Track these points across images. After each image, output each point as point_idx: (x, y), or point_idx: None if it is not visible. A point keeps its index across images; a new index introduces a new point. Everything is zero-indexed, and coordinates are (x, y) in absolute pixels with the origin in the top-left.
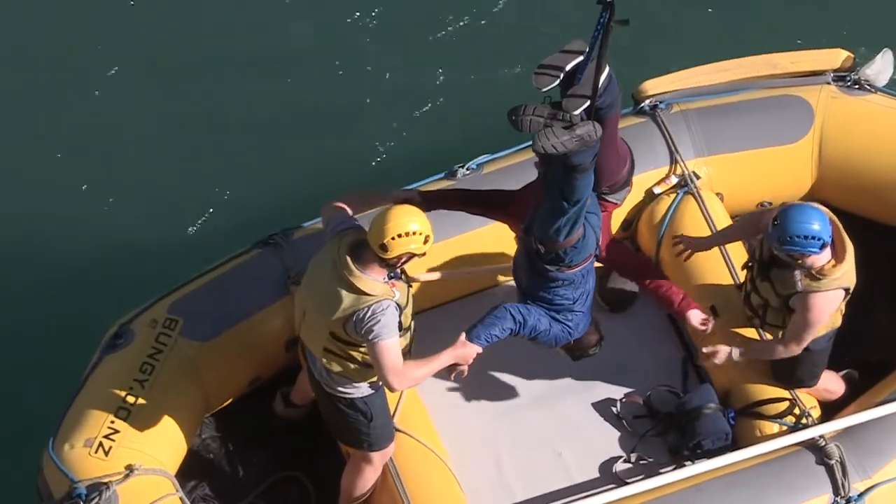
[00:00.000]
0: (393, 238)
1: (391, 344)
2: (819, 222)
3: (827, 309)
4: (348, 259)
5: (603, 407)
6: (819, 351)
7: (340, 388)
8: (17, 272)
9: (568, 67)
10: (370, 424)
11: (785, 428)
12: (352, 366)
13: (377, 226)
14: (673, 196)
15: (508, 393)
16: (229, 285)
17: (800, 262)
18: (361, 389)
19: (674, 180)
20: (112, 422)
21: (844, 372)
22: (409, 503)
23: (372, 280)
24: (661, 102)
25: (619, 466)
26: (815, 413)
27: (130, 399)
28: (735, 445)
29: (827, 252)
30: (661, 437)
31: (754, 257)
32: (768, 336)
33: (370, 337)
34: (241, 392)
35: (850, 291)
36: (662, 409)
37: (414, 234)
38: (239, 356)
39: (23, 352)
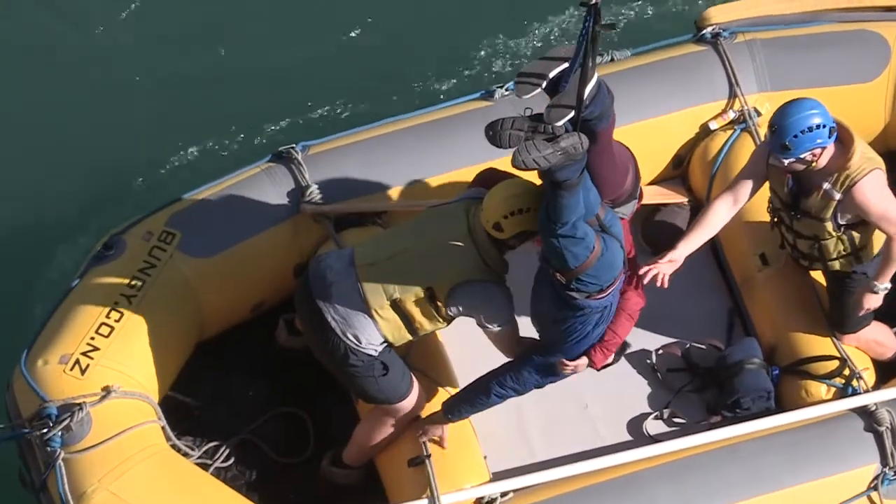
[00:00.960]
0: (506, 216)
1: (512, 331)
2: (817, 108)
3: (881, 188)
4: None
5: (637, 358)
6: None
7: (362, 342)
8: (8, 182)
9: (551, 75)
10: (380, 379)
11: (833, 390)
12: (404, 327)
13: (491, 203)
14: (729, 132)
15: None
16: (236, 200)
17: (814, 163)
18: (377, 346)
19: (731, 115)
20: (92, 338)
21: None
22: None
23: (497, 254)
24: (724, 31)
25: (650, 423)
26: (868, 375)
27: (115, 315)
28: (778, 405)
29: (833, 145)
30: (699, 394)
31: (775, 208)
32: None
33: (486, 323)
34: (242, 318)
35: (886, 172)
36: (702, 364)
37: (528, 210)
38: (241, 278)
39: (10, 263)
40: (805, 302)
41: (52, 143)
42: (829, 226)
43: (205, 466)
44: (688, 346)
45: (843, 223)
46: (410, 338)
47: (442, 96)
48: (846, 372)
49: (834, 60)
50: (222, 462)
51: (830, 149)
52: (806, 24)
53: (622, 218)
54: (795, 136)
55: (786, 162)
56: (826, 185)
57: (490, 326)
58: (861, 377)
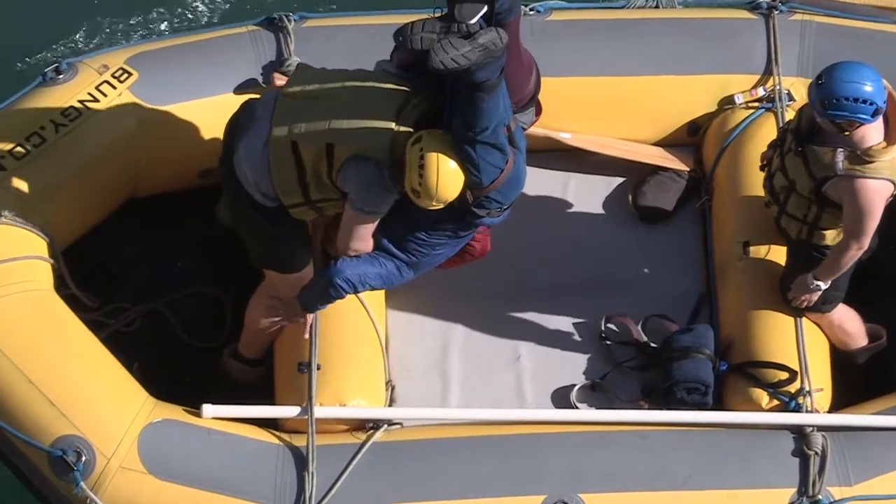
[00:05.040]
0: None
1: (365, 220)
2: (872, 83)
3: (878, 199)
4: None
5: (589, 320)
6: None
7: (262, 188)
8: None
9: None
10: (271, 238)
11: (776, 403)
12: (295, 178)
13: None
14: (752, 110)
15: (484, 273)
16: (209, 54)
17: (847, 132)
18: (272, 199)
19: (761, 93)
20: (1, 157)
21: (872, 326)
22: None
23: None
24: (783, 4)
25: (579, 390)
26: (821, 397)
27: (35, 139)
28: (716, 404)
29: (878, 127)
30: (639, 372)
31: (789, 127)
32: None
33: (352, 200)
34: (188, 183)
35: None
36: (652, 342)
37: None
38: (191, 136)
39: None
40: (777, 303)
41: None
42: (811, 186)
43: (104, 326)
44: (644, 320)
45: (820, 196)
46: (301, 200)
47: None
48: (796, 386)
49: (887, 62)
50: (124, 326)
51: (872, 133)
52: (869, 19)
53: (523, 126)
54: (836, 100)
55: (818, 119)
56: (840, 155)
57: (353, 205)
58: (810, 395)
